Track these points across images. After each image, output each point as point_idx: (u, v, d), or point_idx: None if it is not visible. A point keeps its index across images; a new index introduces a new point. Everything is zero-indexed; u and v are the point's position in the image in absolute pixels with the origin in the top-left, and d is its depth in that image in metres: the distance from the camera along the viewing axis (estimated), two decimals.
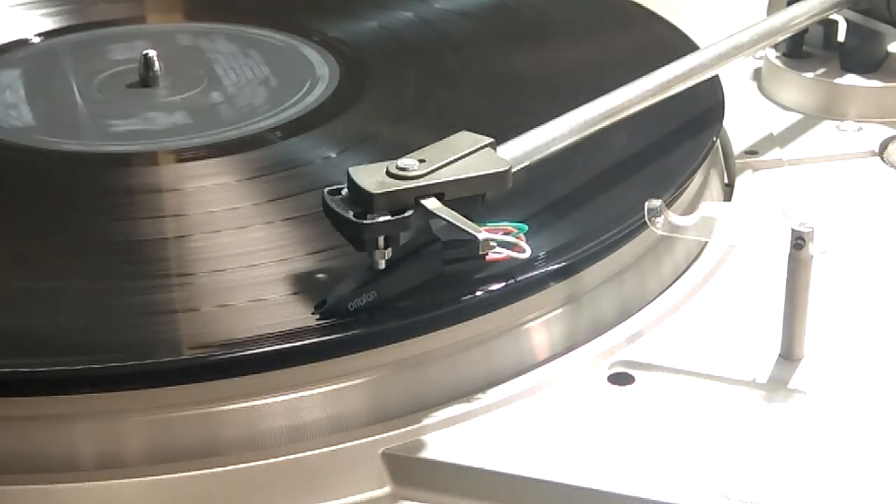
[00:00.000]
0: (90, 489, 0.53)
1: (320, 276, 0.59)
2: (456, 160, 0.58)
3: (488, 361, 0.59)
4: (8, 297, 0.60)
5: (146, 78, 0.81)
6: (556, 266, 0.60)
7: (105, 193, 0.69)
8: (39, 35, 0.90)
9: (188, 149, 0.73)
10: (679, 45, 0.81)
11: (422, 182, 0.56)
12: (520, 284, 0.59)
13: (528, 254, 0.57)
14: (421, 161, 0.57)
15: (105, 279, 0.61)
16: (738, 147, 0.79)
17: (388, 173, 0.56)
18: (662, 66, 0.70)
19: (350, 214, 0.55)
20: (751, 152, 0.78)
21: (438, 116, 0.76)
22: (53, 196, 0.69)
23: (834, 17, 0.85)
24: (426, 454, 0.54)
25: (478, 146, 0.59)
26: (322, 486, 0.54)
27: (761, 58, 0.87)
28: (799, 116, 0.83)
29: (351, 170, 0.57)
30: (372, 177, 0.56)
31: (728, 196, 0.75)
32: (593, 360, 0.60)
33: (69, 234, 0.65)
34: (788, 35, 0.81)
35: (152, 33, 0.91)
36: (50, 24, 0.91)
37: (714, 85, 0.76)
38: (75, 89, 0.81)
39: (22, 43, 0.89)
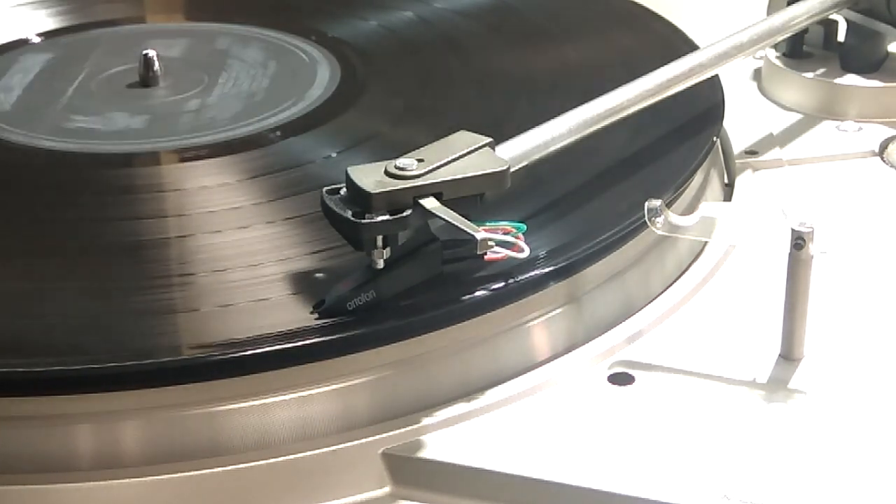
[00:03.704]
0: (90, 489, 0.53)
1: (319, 275, 0.59)
2: (454, 160, 0.58)
3: (488, 361, 0.59)
4: (8, 297, 0.60)
5: (146, 78, 0.81)
6: (556, 266, 0.60)
7: (106, 193, 0.69)
8: (39, 35, 0.90)
9: (188, 148, 0.73)
10: (679, 45, 0.81)
11: (420, 181, 0.56)
12: (520, 284, 0.58)
13: (526, 253, 0.57)
14: (419, 161, 0.57)
15: (106, 279, 0.61)
16: (738, 147, 0.79)
17: (387, 173, 0.56)
18: (662, 66, 0.70)
19: (348, 214, 0.55)
20: (751, 152, 0.78)
21: (438, 116, 0.76)
22: (54, 196, 0.69)
23: (834, 17, 0.85)
24: (426, 454, 0.54)
25: (476, 146, 0.59)
26: (322, 485, 0.54)
27: (761, 58, 0.87)
28: (799, 116, 0.83)
29: (349, 169, 0.57)
30: (370, 176, 0.56)
31: (728, 196, 0.75)
32: (593, 360, 0.60)
33: (69, 234, 0.65)
34: (788, 35, 0.81)
35: (152, 33, 0.91)
36: (50, 24, 0.91)
37: (714, 85, 0.76)
38: (76, 89, 0.81)
39: (22, 43, 0.89)
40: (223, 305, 0.58)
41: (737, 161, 0.77)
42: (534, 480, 0.53)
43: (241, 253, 0.61)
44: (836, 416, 0.56)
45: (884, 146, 0.78)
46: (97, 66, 0.84)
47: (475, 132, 0.60)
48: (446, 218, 0.55)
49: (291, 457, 0.54)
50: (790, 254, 0.57)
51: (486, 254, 0.56)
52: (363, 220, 0.55)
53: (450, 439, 0.55)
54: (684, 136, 0.71)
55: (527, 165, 0.61)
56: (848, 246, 0.64)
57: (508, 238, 0.57)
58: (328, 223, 0.57)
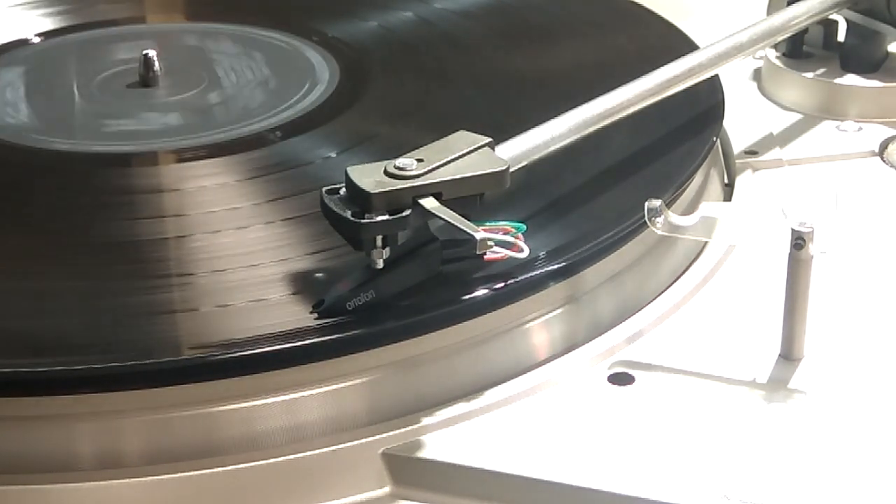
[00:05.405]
0: (89, 489, 0.53)
1: (319, 275, 0.59)
2: (454, 160, 0.58)
3: (488, 361, 0.59)
4: (7, 297, 0.60)
5: (146, 78, 0.81)
6: (555, 266, 0.60)
7: (105, 193, 0.69)
8: (39, 35, 0.90)
9: (188, 149, 0.73)
10: (679, 45, 0.81)
11: (420, 181, 0.56)
12: (519, 284, 0.58)
13: (526, 253, 0.57)
14: (419, 160, 0.57)
15: (105, 279, 0.61)
16: (738, 147, 0.79)
17: (387, 173, 0.56)
18: (662, 66, 0.70)
19: (348, 214, 0.55)
20: (751, 152, 0.78)
21: (438, 116, 0.76)
22: (53, 196, 0.69)
23: (834, 17, 0.85)
24: (426, 454, 0.54)
25: (476, 146, 0.59)
26: (322, 486, 0.54)
27: (761, 58, 0.87)
28: (799, 116, 0.83)
29: (349, 169, 0.57)
30: (370, 176, 0.56)
31: (728, 196, 0.75)
32: (593, 360, 0.60)
33: (69, 234, 0.65)
34: (788, 35, 0.81)
35: (152, 33, 0.91)
36: (50, 24, 0.91)
37: (714, 85, 0.76)
38: (75, 89, 0.81)
39: (22, 43, 0.89)
40: (222, 305, 0.58)
41: (737, 161, 0.77)
42: (534, 480, 0.53)
43: (240, 253, 0.61)
44: (836, 416, 0.56)
45: (884, 146, 0.78)
46: (97, 66, 0.84)
47: (475, 132, 0.60)
48: (446, 218, 0.55)
49: (291, 457, 0.54)
50: (790, 254, 0.57)
51: (485, 254, 0.56)
52: (363, 220, 0.55)
53: (450, 439, 0.55)
54: (684, 136, 0.71)
55: (527, 165, 0.61)
56: (848, 246, 0.64)
57: (508, 238, 0.57)
58: (328, 223, 0.57)
